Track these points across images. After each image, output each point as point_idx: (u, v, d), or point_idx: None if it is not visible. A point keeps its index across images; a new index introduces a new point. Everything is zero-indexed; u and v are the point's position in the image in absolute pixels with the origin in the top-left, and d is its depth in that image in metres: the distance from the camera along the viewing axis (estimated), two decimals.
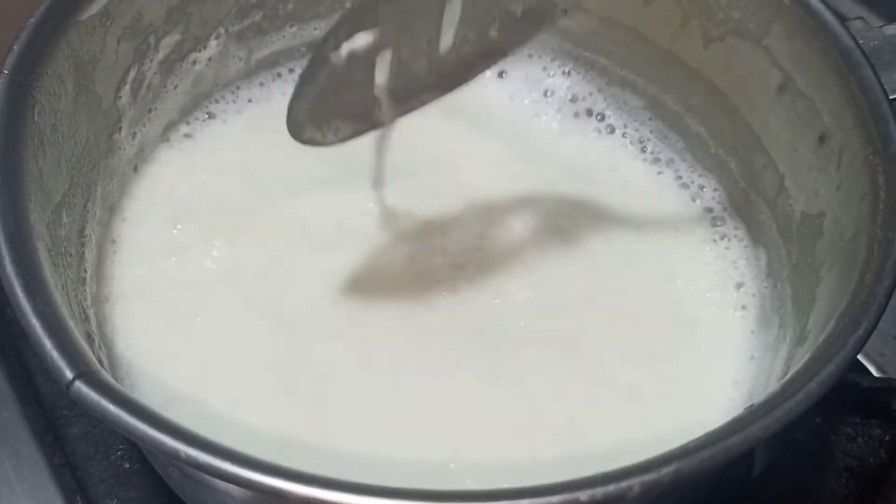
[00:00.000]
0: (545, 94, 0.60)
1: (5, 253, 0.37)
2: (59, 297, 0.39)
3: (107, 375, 0.35)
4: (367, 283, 0.50)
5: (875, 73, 0.45)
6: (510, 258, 0.52)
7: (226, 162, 0.55)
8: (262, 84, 0.59)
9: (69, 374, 0.34)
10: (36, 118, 0.43)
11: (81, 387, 0.34)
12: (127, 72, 0.51)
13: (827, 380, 0.35)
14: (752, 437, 0.34)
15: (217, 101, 0.58)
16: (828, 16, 0.48)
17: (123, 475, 0.54)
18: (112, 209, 0.52)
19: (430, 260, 0.51)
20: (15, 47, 0.44)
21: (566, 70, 0.61)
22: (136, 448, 0.54)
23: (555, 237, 0.54)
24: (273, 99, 0.58)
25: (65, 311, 0.38)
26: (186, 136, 0.56)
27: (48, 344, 0.35)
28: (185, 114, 0.57)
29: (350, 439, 0.44)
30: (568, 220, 0.54)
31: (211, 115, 0.57)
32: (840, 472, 0.54)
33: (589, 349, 0.49)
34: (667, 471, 0.33)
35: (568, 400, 0.46)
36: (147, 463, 0.54)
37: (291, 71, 0.59)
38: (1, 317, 0.59)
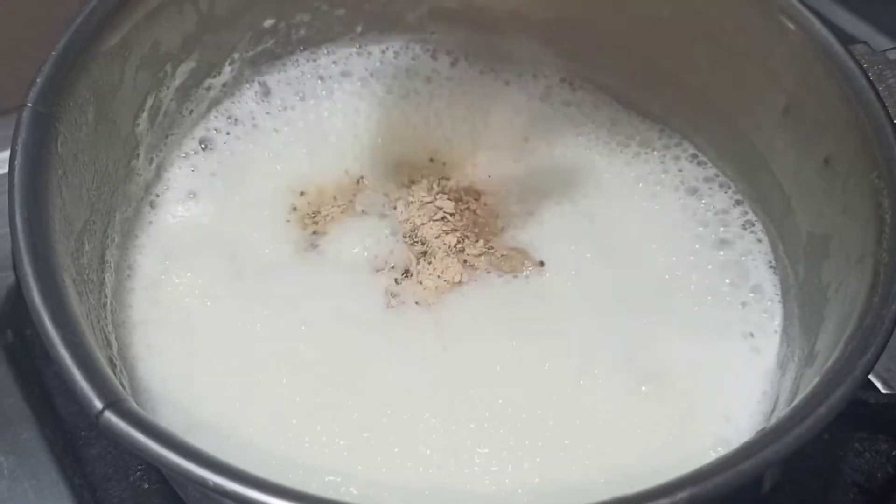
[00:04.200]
0: (554, 110, 0.61)
1: (33, 285, 0.38)
2: (84, 327, 0.39)
3: (134, 404, 0.36)
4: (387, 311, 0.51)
5: (879, 97, 0.46)
6: (530, 277, 0.53)
7: (241, 186, 0.56)
8: (275, 104, 0.60)
9: (98, 405, 0.35)
10: (59, 149, 0.44)
11: (110, 416, 0.35)
12: (144, 99, 0.52)
13: (836, 404, 0.36)
14: (763, 462, 0.35)
15: (231, 125, 0.58)
16: (831, 40, 0.49)
17: (142, 495, 0.55)
18: (128, 234, 0.53)
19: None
20: (38, 80, 0.44)
21: (574, 88, 0.61)
22: (155, 468, 0.55)
23: (570, 248, 0.54)
24: (289, 121, 0.59)
25: (91, 339, 0.39)
26: (202, 159, 0.57)
27: (77, 374, 0.36)
28: (200, 138, 0.57)
29: (372, 465, 0.45)
30: (581, 226, 0.55)
31: (224, 139, 0.58)
32: (848, 487, 0.54)
33: (605, 370, 0.49)
34: (681, 496, 0.33)
35: (588, 423, 0.47)
36: (166, 483, 0.54)
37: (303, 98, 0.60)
38: (20, 339, 0.59)
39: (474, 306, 0.51)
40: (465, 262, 0.52)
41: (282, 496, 0.33)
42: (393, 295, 0.51)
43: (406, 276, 0.52)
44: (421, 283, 0.52)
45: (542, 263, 0.53)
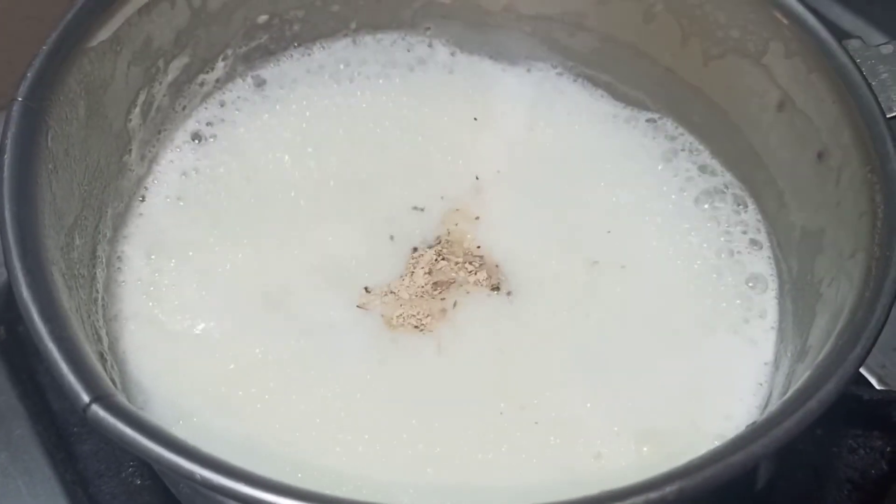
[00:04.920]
0: (551, 105, 0.61)
1: (22, 280, 0.38)
2: (74, 321, 0.39)
3: (122, 398, 0.36)
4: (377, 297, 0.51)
5: (872, 91, 0.46)
6: (533, 273, 0.52)
7: (233, 181, 0.55)
8: (268, 100, 0.59)
9: (86, 398, 0.35)
10: (49, 144, 0.44)
11: (98, 410, 0.35)
12: (137, 95, 0.52)
13: (827, 397, 0.36)
14: (753, 455, 0.34)
15: (224, 121, 0.58)
16: (825, 35, 0.48)
17: (135, 491, 0.55)
18: (120, 230, 0.52)
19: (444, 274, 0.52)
20: (28, 74, 0.44)
21: (567, 82, 0.61)
22: (147, 465, 0.55)
23: (569, 243, 0.54)
24: (283, 117, 0.59)
25: (80, 334, 0.39)
26: (195, 154, 0.56)
27: (65, 368, 0.36)
28: (193, 133, 0.57)
29: (363, 459, 0.44)
30: (571, 229, 0.55)
31: (217, 135, 0.58)
32: (842, 483, 0.54)
33: (601, 365, 0.49)
34: (671, 489, 0.33)
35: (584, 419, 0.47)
36: (158, 479, 0.54)
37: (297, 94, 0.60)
38: (13, 335, 0.59)
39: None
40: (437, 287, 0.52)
41: (269, 490, 0.33)
42: (365, 306, 0.51)
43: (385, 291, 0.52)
44: (396, 293, 0.51)
45: (509, 293, 0.52)
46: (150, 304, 0.50)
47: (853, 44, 0.49)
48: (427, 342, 0.49)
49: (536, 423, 0.46)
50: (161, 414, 0.45)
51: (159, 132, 0.55)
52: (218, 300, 0.50)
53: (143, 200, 0.54)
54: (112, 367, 0.46)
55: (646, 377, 0.48)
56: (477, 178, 0.57)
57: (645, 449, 0.46)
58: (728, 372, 0.49)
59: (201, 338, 0.49)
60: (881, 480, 0.54)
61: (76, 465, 0.55)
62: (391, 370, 0.48)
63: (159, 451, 0.34)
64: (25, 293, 0.38)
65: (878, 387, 0.58)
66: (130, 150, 0.53)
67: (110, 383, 0.37)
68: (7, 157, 0.42)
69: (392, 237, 0.54)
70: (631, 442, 0.46)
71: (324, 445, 0.45)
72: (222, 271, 0.51)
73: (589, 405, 0.47)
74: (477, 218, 0.55)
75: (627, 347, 0.50)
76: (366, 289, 0.51)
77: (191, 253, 0.52)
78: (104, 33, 0.48)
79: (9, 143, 0.42)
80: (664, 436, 0.46)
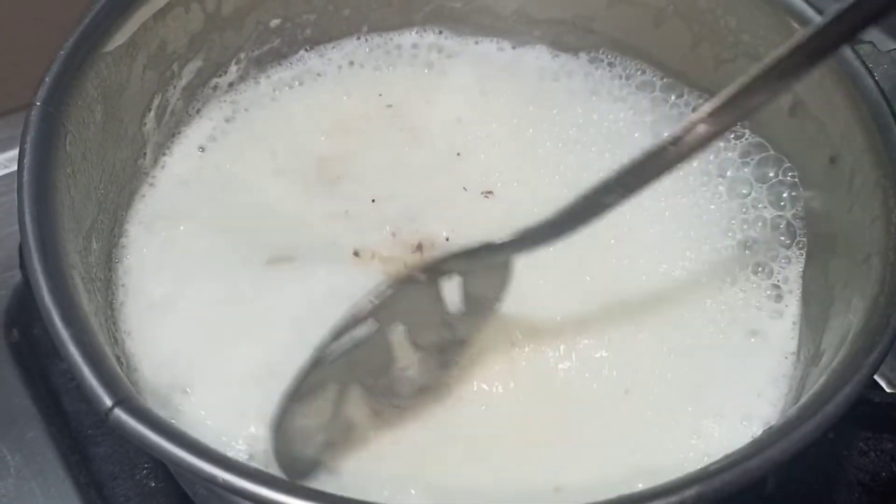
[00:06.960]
0: (557, 106, 0.60)
1: (43, 284, 0.38)
2: (94, 324, 0.40)
3: (142, 401, 0.36)
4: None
5: (884, 96, 0.46)
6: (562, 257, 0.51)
7: (246, 185, 0.55)
8: (280, 103, 0.60)
9: (108, 402, 0.35)
10: (68, 148, 0.44)
11: (120, 414, 0.35)
12: (151, 99, 0.53)
13: (843, 403, 0.36)
14: (770, 460, 0.35)
15: (237, 124, 0.58)
16: None
17: (149, 494, 0.55)
18: (127, 223, 0.52)
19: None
20: (46, 79, 0.45)
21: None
22: (162, 466, 0.55)
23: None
24: (294, 120, 0.59)
25: (100, 338, 0.39)
26: (208, 158, 0.57)
27: (87, 372, 0.36)
28: (206, 136, 0.57)
29: (383, 461, 0.44)
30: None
31: (230, 138, 0.58)
32: (853, 486, 0.54)
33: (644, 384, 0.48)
34: (689, 493, 0.33)
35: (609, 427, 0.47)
36: (172, 481, 0.55)
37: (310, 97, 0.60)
38: (27, 337, 0.60)
39: None
40: None
41: (291, 493, 0.34)
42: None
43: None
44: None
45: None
46: (166, 307, 0.49)
47: (865, 48, 0.49)
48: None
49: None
50: (178, 417, 0.45)
51: (173, 136, 0.56)
52: (232, 307, 0.49)
53: (152, 193, 0.53)
54: (127, 369, 0.46)
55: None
56: (491, 178, 0.57)
57: None
58: (750, 378, 0.48)
59: (213, 342, 0.48)
60: (892, 483, 0.54)
61: (90, 467, 0.55)
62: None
63: (181, 454, 0.34)
64: (47, 297, 0.38)
65: (888, 390, 0.58)
66: (145, 154, 0.53)
67: (130, 386, 0.37)
68: (27, 162, 0.42)
69: (394, 234, 0.53)
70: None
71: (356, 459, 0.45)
72: (237, 274, 0.51)
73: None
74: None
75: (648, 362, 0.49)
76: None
77: (202, 255, 0.51)
78: (120, 38, 0.48)
79: (28, 147, 0.42)
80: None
